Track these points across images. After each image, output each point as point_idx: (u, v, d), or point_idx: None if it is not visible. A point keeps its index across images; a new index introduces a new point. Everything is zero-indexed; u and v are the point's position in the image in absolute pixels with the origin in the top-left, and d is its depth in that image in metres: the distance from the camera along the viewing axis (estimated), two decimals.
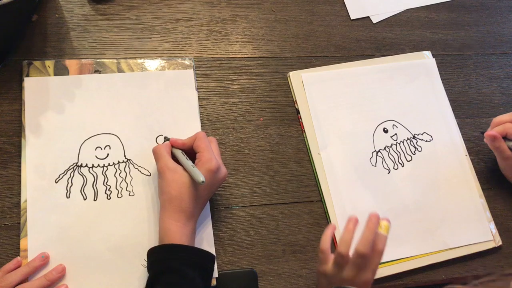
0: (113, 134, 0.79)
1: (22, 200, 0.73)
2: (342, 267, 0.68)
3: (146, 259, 0.70)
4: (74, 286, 0.71)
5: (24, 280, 0.69)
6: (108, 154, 0.78)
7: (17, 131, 0.78)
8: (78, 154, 0.77)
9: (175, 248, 0.67)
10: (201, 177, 0.67)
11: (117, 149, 0.79)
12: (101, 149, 0.78)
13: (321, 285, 0.72)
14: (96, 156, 0.78)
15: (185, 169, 0.70)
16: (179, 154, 0.73)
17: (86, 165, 0.77)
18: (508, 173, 0.87)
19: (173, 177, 0.70)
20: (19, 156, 0.76)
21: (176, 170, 0.70)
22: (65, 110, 0.80)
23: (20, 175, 0.75)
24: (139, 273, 0.72)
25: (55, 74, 0.81)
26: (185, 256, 0.67)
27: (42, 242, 0.72)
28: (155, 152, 0.73)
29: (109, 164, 0.78)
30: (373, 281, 0.69)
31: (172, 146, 0.74)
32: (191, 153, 0.73)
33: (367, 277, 0.67)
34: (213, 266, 0.70)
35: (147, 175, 0.78)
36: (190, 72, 0.86)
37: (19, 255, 0.71)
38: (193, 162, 0.71)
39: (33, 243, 0.71)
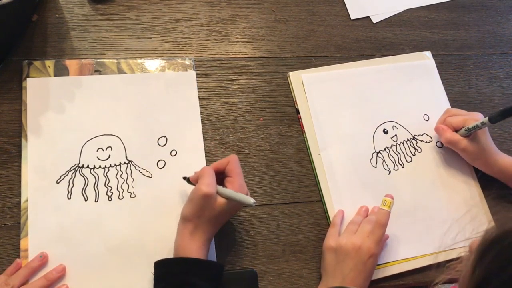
0: (114, 135, 0.79)
1: (22, 200, 0.73)
2: (353, 233, 0.76)
3: (154, 268, 0.69)
4: (74, 287, 0.70)
5: (25, 282, 0.69)
6: (109, 156, 0.78)
7: (17, 131, 0.77)
8: (80, 155, 0.77)
9: (190, 261, 0.67)
10: (251, 199, 0.68)
11: (118, 151, 0.79)
12: (103, 150, 0.78)
13: (327, 262, 0.75)
14: (97, 157, 0.78)
15: (227, 197, 0.69)
16: (221, 189, 0.71)
17: (88, 166, 0.77)
18: (476, 164, 0.86)
19: (211, 205, 0.68)
20: (19, 156, 0.76)
21: (217, 201, 0.69)
22: (66, 111, 0.80)
23: (20, 175, 0.75)
24: (139, 274, 0.72)
25: (55, 74, 0.81)
26: (200, 271, 0.67)
27: (43, 243, 0.72)
28: (205, 171, 0.71)
29: (110, 166, 0.78)
30: (378, 255, 0.75)
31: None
32: (218, 175, 0.72)
33: (371, 245, 0.73)
34: (223, 275, 0.70)
35: (149, 176, 0.78)
36: (192, 73, 0.86)
37: (19, 255, 0.71)
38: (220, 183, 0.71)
39: (34, 243, 0.71)
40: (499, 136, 0.92)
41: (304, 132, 0.87)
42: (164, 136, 0.81)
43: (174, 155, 0.80)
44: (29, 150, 0.76)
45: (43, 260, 0.70)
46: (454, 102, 0.94)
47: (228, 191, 0.70)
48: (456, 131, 0.86)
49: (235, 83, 0.88)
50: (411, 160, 0.87)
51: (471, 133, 0.83)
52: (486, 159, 0.84)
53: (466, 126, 0.83)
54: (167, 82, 0.84)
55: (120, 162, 0.78)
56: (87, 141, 0.78)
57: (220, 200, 0.69)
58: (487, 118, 0.80)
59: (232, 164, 0.72)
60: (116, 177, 0.77)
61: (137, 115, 0.81)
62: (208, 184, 0.68)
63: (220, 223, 0.72)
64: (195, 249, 0.68)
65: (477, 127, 0.81)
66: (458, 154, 0.88)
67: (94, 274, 0.72)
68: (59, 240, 0.72)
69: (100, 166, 0.77)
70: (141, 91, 0.83)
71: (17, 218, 0.73)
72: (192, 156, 0.81)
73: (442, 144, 0.90)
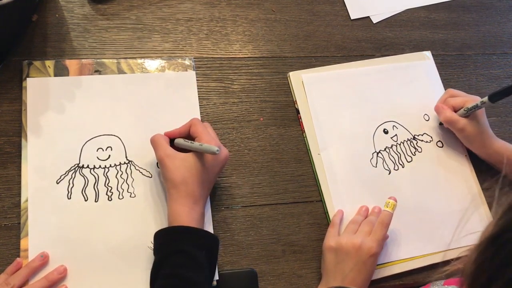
0: (114, 135, 0.79)
1: (22, 200, 0.73)
2: (353, 232, 0.76)
3: (152, 242, 0.70)
4: (73, 287, 0.70)
5: (25, 281, 0.69)
6: (109, 156, 0.78)
7: (17, 131, 0.77)
8: (80, 155, 0.77)
9: (181, 230, 0.68)
10: (214, 148, 0.68)
11: (118, 151, 0.79)
12: (103, 150, 0.78)
13: (327, 262, 0.75)
14: (97, 157, 0.78)
15: (194, 151, 0.71)
16: (182, 141, 0.74)
17: (88, 166, 0.77)
18: (473, 146, 0.87)
19: (174, 164, 0.70)
20: (19, 156, 0.76)
21: (176, 156, 0.71)
22: (67, 111, 0.79)
23: (20, 175, 0.74)
24: (140, 274, 0.72)
25: (55, 74, 0.81)
26: (191, 238, 0.67)
27: (43, 243, 0.72)
28: (153, 141, 0.74)
29: (110, 166, 0.78)
30: (378, 255, 0.75)
31: (171, 138, 0.76)
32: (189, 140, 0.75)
33: (371, 244, 0.73)
34: (218, 248, 0.71)
35: (149, 176, 0.78)
36: (192, 73, 0.86)
37: (19, 255, 0.71)
38: None
39: (34, 243, 0.71)
40: (499, 136, 0.91)
41: (304, 132, 0.87)
42: None
43: None
44: (29, 150, 0.76)
45: (43, 260, 0.70)
46: None
47: (190, 144, 0.72)
48: (455, 111, 0.86)
49: (235, 83, 0.88)
50: (412, 160, 0.87)
51: (469, 113, 0.84)
52: (483, 141, 0.85)
53: (465, 106, 0.83)
54: (167, 82, 0.84)
55: (120, 162, 0.78)
56: (87, 141, 0.78)
57: (185, 155, 0.71)
58: (486, 97, 0.80)
59: (195, 126, 0.74)
60: (116, 177, 0.77)
61: (137, 115, 0.81)
62: (161, 149, 0.72)
63: (200, 181, 0.71)
64: (183, 216, 0.69)
65: (476, 107, 0.82)
66: (458, 153, 0.89)
67: (94, 274, 0.72)
68: (59, 240, 0.72)
69: (100, 166, 0.77)
70: (141, 91, 0.83)
71: (17, 218, 0.73)
72: None
73: (442, 143, 0.90)
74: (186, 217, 0.69)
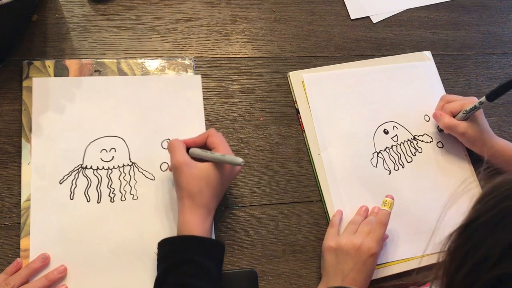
0: (118, 137, 0.79)
1: (23, 200, 0.73)
2: (353, 232, 0.77)
3: (157, 248, 0.70)
4: (74, 287, 0.70)
5: (25, 282, 0.69)
6: (113, 157, 0.78)
7: (17, 131, 0.77)
8: (84, 156, 0.77)
9: (194, 239, 0.67)
10: (239, 159, 0.68)
11: (122, 152, 0.79)
12: (107, 151, 0.78)
13: (327, 262, 0.75)
14: (101, 159, 0.77)
15: (212, 162, 0.70)
16: (199, 151, 0.72)
17: (91, 167, 0.77)
18: (475, 147, 0.87)
19: (192, 173, 0.70)
20: (19, 156, 0.76)
21: (195, 166, 0.70)
22: (70, 111, 0.79)
23: (20, 175, 0.74)
24: (140, 276, 0.72)
25: (55, 74, 0.81)
26: (204, 248, 0.67)
27: (44, 242, 0.72)
28: (171, 145, 0.72)
29: (113, 167, 0.78)
30: (378, 254, 0.75)
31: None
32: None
33: (371, 244, 0.73)
34: (224, 254, 0.70)
35: (151, 179, 0.78)
36: (198, 77, 0.86)
37: (19, 255, 0.71)
38: None
39: (35, 243, 0.71)
40: (499, 136, 0.91)
41: (304, 132, 0.87)
42: (168, 139, 0.80)
43: None
44: (32, 150, 0.76)
45: (44, 262, 0.70)
46: None
47: (210, 154, 0.71)
48: (454, 116, 0.86)
49: (235, 83, 0.88)
50: (412, 160, 0.88)
51: (469, 116, 0.84)
52: (484, 141, 0.85)
53: (464, 109, 0.83)
54: (174, 85, 0.84)
55: (123, 164, 0.78)
56: (91, 142, 0.78)
57: (204, 165, 0.70)
58: (484, 97, 0.80)
59: (213, 136, 0.73)
60: (119, 178, 0.77)
61: (142, 117, 0.81)
62: (179, 155, 0.70)
63: (215, 192, 0.71)
64: (195, 226, 0.68)
65: (475, 108, 0.82)
66: (458, 154, 0.89)
67: (95, 275, 0.72)
68: (60, 240, 0.72)
69: (103, 167, 0.77)
70: (147, 94, 0.83)
71: (17, 218, 0.73)
72: None
73: (442, 144, 0.90)
74: (198, 227, 0.68)
